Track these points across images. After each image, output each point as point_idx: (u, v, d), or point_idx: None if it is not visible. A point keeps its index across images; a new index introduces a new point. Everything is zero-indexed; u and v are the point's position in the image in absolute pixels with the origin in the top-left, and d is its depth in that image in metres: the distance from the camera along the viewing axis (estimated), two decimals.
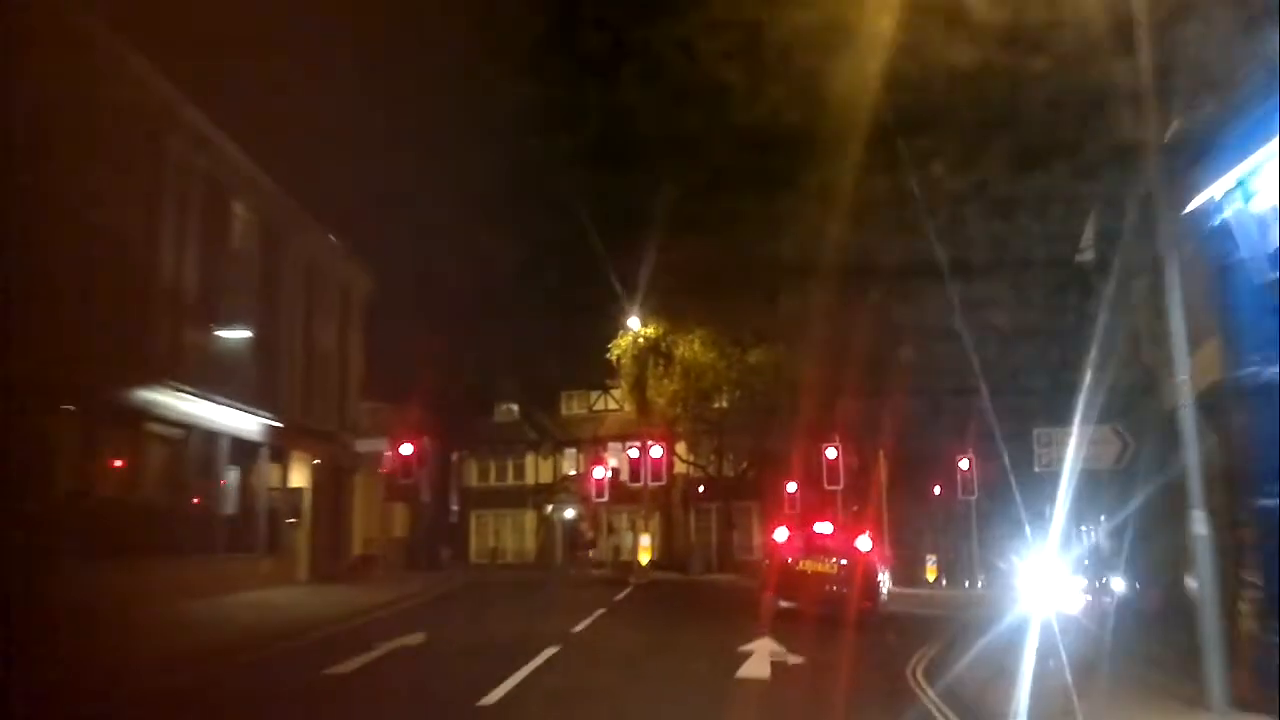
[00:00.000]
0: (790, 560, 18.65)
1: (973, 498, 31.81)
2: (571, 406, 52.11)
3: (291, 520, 25.07)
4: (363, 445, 28.20)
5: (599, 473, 35.84)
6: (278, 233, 25.25)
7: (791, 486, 40.21)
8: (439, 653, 11.93)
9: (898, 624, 18.12)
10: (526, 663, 10.70)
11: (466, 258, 50.47)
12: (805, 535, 19.12)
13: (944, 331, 33.41)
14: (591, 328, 44.04)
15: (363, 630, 14.19)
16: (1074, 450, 17.42)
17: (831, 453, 29.04)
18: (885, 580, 19.30)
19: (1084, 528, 52.53)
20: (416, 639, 12.70)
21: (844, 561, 18.47)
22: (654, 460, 31.81)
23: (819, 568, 18.46)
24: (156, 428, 18.71)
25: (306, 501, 25.85)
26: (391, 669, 10.77)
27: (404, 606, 18.27)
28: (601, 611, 16.81)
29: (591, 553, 46.78)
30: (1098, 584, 41.39)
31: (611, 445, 46.62)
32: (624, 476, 34.42)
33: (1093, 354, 24.27)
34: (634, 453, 32.53)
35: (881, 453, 33.05)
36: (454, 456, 48.36)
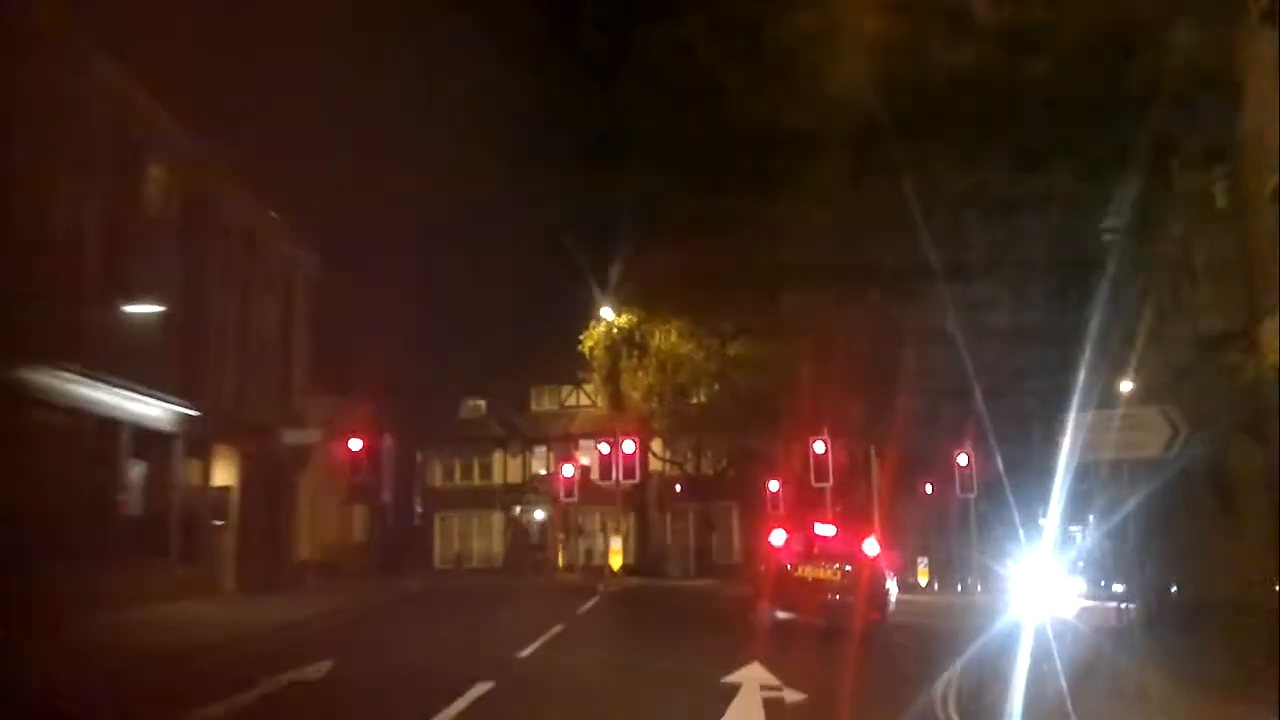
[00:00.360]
0: (788, 566, 16.05)
1: (971, 495, 29.30)
2: (542, 402, 49.35)
3: (217, 522, 22.20)
4: (292, 437, 25.28)
5: (568, 471, 33.14)
6: (204, 202, 22.41)
7: (774, 485, 37.68)
8: (336, 692, 9.19)
9: (906, 637, 15.56)
10: (445, 707, 7.97)
11: (431, 246, 47.91)
12: (805, 538, 16.51)
13: (941, 321, 31.08)
14: (564, 319, 41.61)
15: (261, 656, 11.43)
16: (1111, 437, 14.94)
17: (819, 447, 26.46)
18: (893, 588, 16.67)
19: (1073, 528, 50.14)
20: (318, 670, 9.98)
21: (848, 567, 15.88)
22: (626, 456, 29.11)
23: (820, 574, 15.86)
24: (40, 414, 15.84)
25: (234, 501, 22.96)
26: (265, 717, 8.04)
27: (328, 623, 15.53)
28: (559, 629, 14.11)
29: (543, 557, 44.03)
30: (1100, 587, 38.95)
31: (584, 443, 43.91)
32: (594, 475, 31.67)
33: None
34: (604, 448, 29.83)
35: (873, 448, 30.46)
36: (418, 455, 45.57)
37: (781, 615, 16.01)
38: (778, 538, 16.37)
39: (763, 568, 16.76)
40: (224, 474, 22.77)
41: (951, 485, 30.98)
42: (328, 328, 43.79)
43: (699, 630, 15.68)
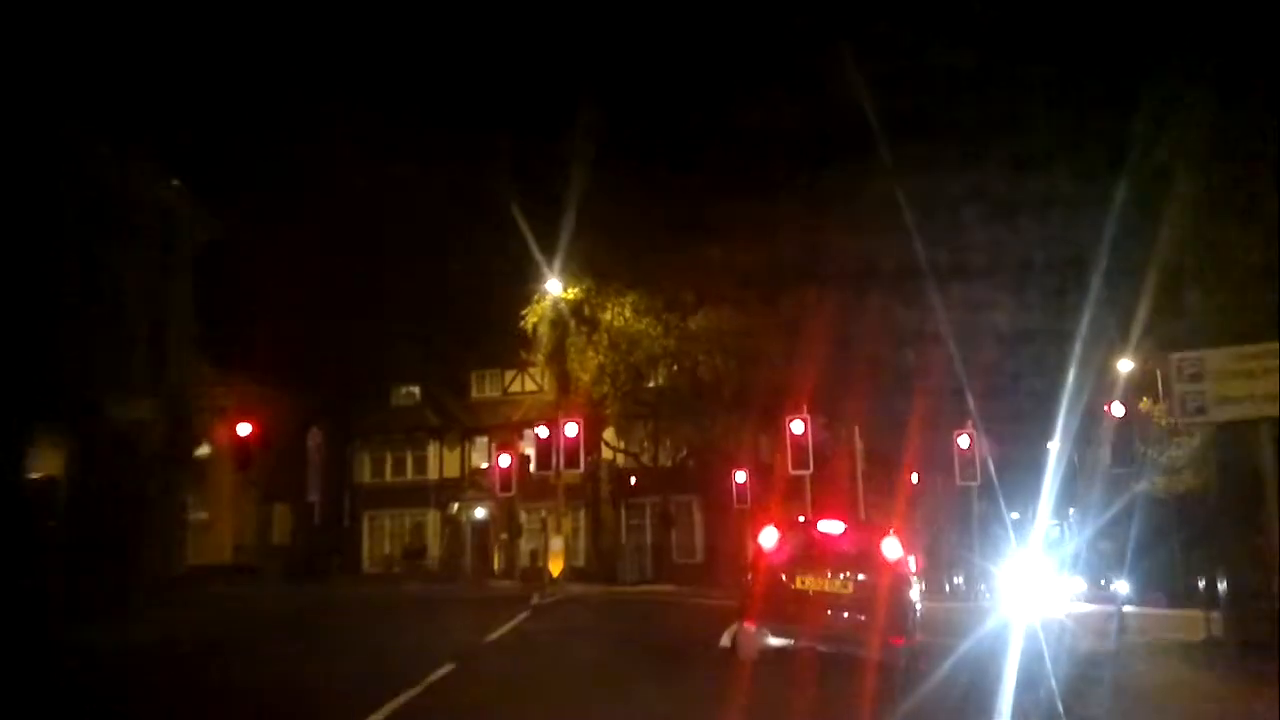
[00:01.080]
0: (781, 576, 11.70)
1: (974, 484, 25.19)
2: (484, 388, 44.71)
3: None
4: (123, 411, 20.37)
5: (504, 461, 28.59)
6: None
7: (740, 476, 33.52)
8: None
9: (933, 663, 11.34)
10: None
11: (358, 217, 43.34)
12: (804, 537, 12.15)
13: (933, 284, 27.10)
14: (508, 297, 37.15)
15: None
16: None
17: (798, 426, 22.19)
18: (918, 602, 12.29)
19: (1054, 522, 45.92)
20: None
21: (862, 576, 11.60)
22: (568, 440, 24.66)
23: (825, 586, 11.56)
24: None
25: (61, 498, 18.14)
26: None
27: (130, 661, 10.91)
28: (445, 671, 9.70)
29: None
30: (1100, 586, 35.33)
31: (529, 432, 39.28)
32: (532, 464, 27.19)
33: None
34: (543, 432, 25.36)
35: (857, 430, 26.28)
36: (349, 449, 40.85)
37: (774, 641, 11.68)
38: (768, 537, 12.01)
39: (748, 576, 12.35)
40: (50, 462, 17.97)
41: (945, 473, 26.87)
42: (232, 303, 39.24)
43: (648, 672, 11.22)
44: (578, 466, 25.82)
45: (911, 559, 12.70)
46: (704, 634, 13.50)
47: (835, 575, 11.67)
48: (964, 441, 24.85)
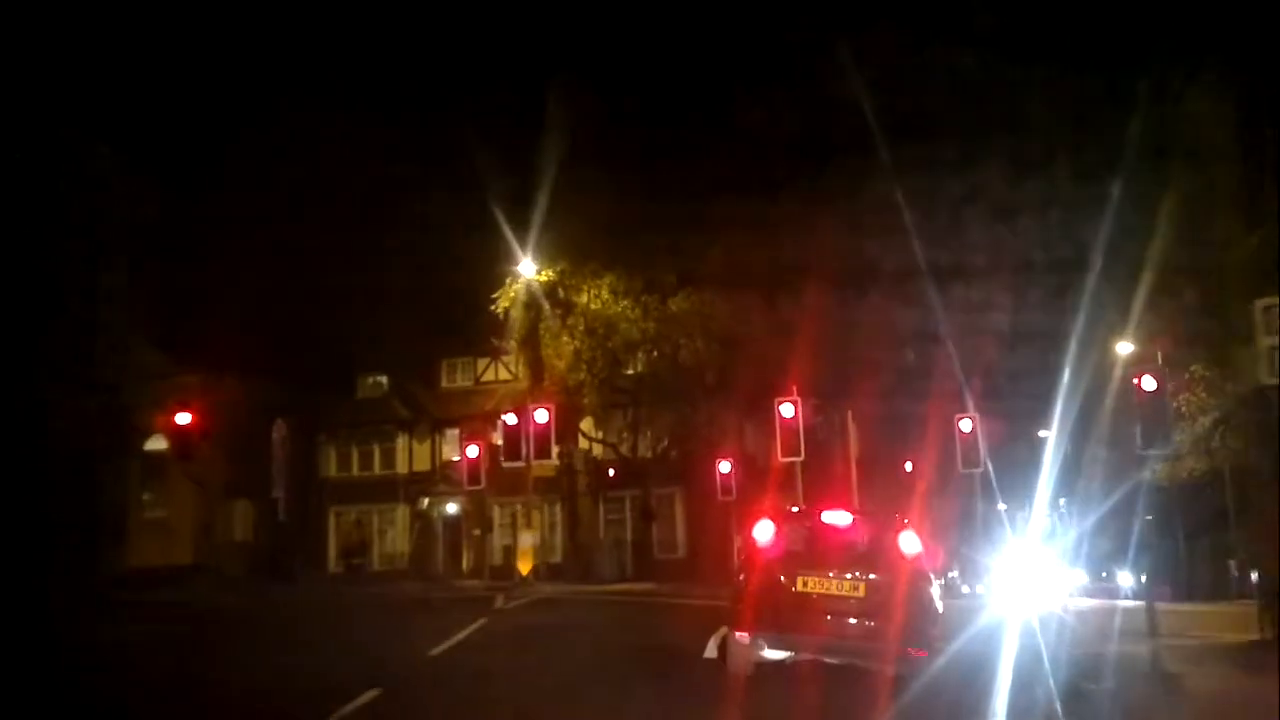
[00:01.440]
0: (780, 576, 9.82)
1: (977, 470, 23.34)
2: (455, 378, 42.63)
3: None
4: None
5: (472, 452, 26.59)
6: None
7: (725, 466, 31.69)
8: None
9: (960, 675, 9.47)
10: None
11: (323, 196, 41.19)
12: (807, 531, 10.24)
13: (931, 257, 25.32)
14: (480, 282, 35.14)
15: None
16: None
17: (788, 409, 20.29)
18: (939, 603, 10.35)
19: (1046, 513, 44.09)
20: None
21: (875, 576, 9.69)
22: (538, 428, 22.72)
23: (832, 587, 9.67)
24: None
25: None
26: None
27: None
28: (363, 701, 7.68)
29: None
30: (1102, 579, 33.61)
31: (501, 422, 37.28)
32: (501, 455, 25.20)
33: None
34: (511, 419, 23.37)
35: (850, 414, 24.43)
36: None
37: (770, 654, 9.81)
38: (763, 531, 10.10)
39: (739, 577, 10.41)
40: None
41: (943, 460, 25.06)
42: (190, 290, 37.13)
43: (618, 696, 9.28)
44: (549, 456, 23.90)
45: (931, 553, 10.82)
46: (686, 643, 11.60)
47: (843, 575, 9.80)
48: (966, 425, 23.00)
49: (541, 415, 23.09)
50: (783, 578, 9.85)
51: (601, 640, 12.68)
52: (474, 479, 26.80)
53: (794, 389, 20.96)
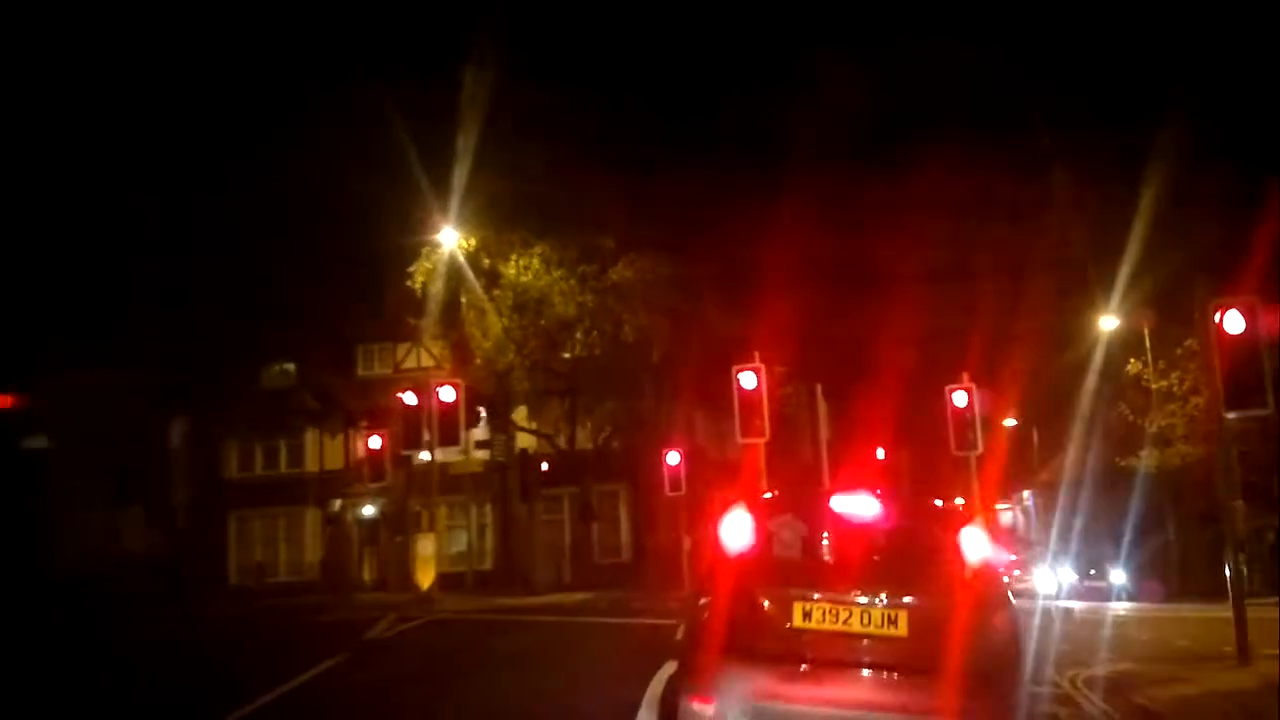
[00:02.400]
0: (765, 602, 5.77)
1: (975, 453, 19.54)
2: (372, 365, 38.18)
3: None
4: None
5: (375, 443, 22.32)
6: None
7: (673, 457, 27.85)
8: None
9: None
10: None
11: (221, 164, 36.82)
12: (810, 528, 6.10)
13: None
14: (401, 257, 30.94)
15: None
16: None
17: (749, 379, 16.35)
18: (1021, 643, 6.25)
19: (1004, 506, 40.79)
20: None
21: (920, 600, 5.57)
22: (444, 408, 18.54)
23: (852, 621, 5.63)
24: None
25: None
26: None
27: None
28: None
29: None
30: (1090, 575, 30.19)
31: None
32: (406, 442, 20.90)
33: None
34: (411, 398, 19.17)
35: (819, 387, 20.57)
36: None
37: None
38: (737, 529, 6.08)
39: (701, 602, 6.16)
40: None
41: (932, 440, 21.27)
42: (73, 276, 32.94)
43: None
44: (456, 442, 19.77)
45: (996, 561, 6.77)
46: (609, 699, 7.50)
47: (871, 599, 5.81)
48: (960, 398, 19.22)
49: (447, 393, 18.95)
50: (769, 604, 5.86)
51: (483, 702, 8.53)
52: (377, 474, 22.58)
53: (755, 356, 17.00)
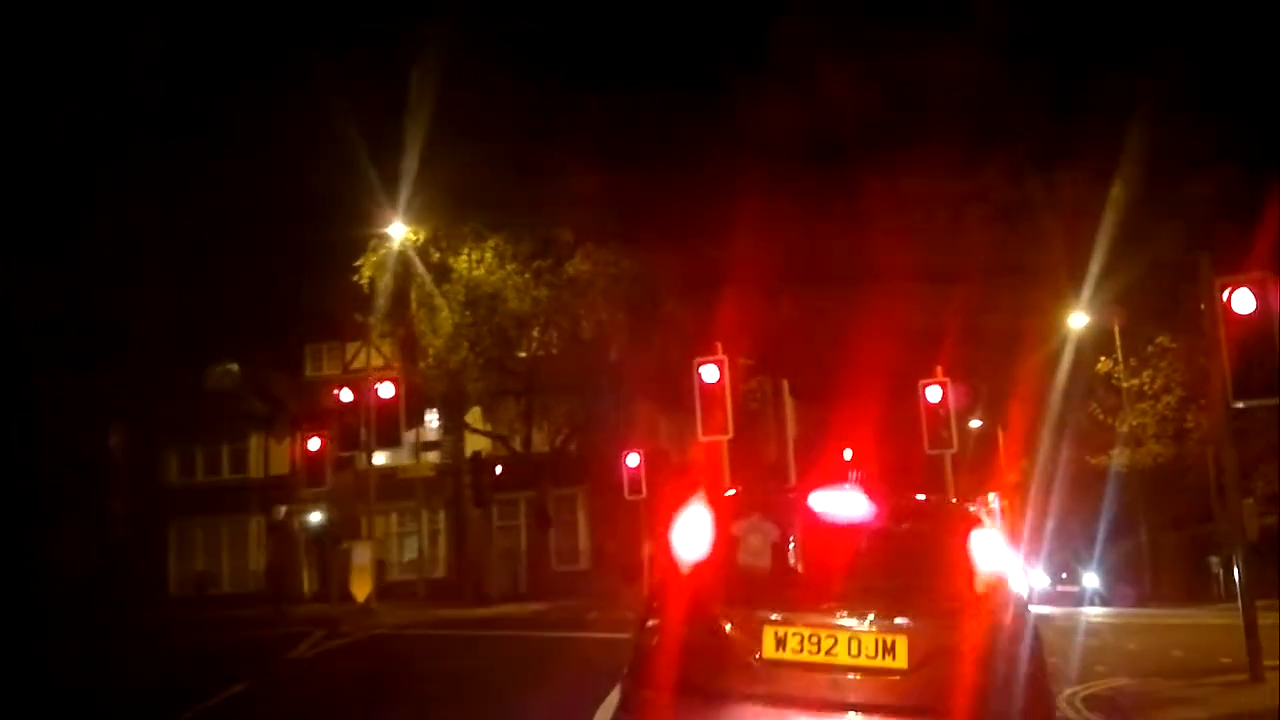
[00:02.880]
0: (727, 625, 4.50)
1: (950, 452, 18.48)
2: (321, 365, 36.63)
3: None
4: None
5: (314, 444, 20.92)
6: None
7: (633, 459, 26.67)
8: None
9: None
10: None
11: (161, 156, 35.21)
12: (784, 532, 4.88)
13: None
14: (351, 253, 29.57)
15: None
16: None
17: (710, 373, 15.17)
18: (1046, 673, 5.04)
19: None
20: None
21: (922, 623, 4.29)
22: (382, 405, 17.20)
23: (838, 650, 4.39)
24: None
25: None
26: None
27: None
28: None
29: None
30: (1061, 579, 29.33)
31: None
32: (343, 442, 19.51)
33: None
34: (347, 395, 17.82)
35: (786, 384, 19.43)
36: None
37: None
38: (693, 534, 4.84)
39: (649, 624, 4.89)
40: None
41: (904, 439, 20.20)
42: None
43: None
44: (396, 443, 18.53)
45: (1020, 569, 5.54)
46: None
47: (860, 622, 4.60)
48: (934, 394, 18.15)
49: (386, 390, 17.60)
50: (733, 629, 4.65)
51: None
52: (316, 478, 21.17)
53: (718, 347, 15.82)
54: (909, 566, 4.87)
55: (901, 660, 4.49)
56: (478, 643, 14.02)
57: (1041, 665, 4.80)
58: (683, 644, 4.67)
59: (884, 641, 4.51)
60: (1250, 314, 10.21)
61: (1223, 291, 10.31)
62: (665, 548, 5.02)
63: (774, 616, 4.60)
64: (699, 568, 4.82)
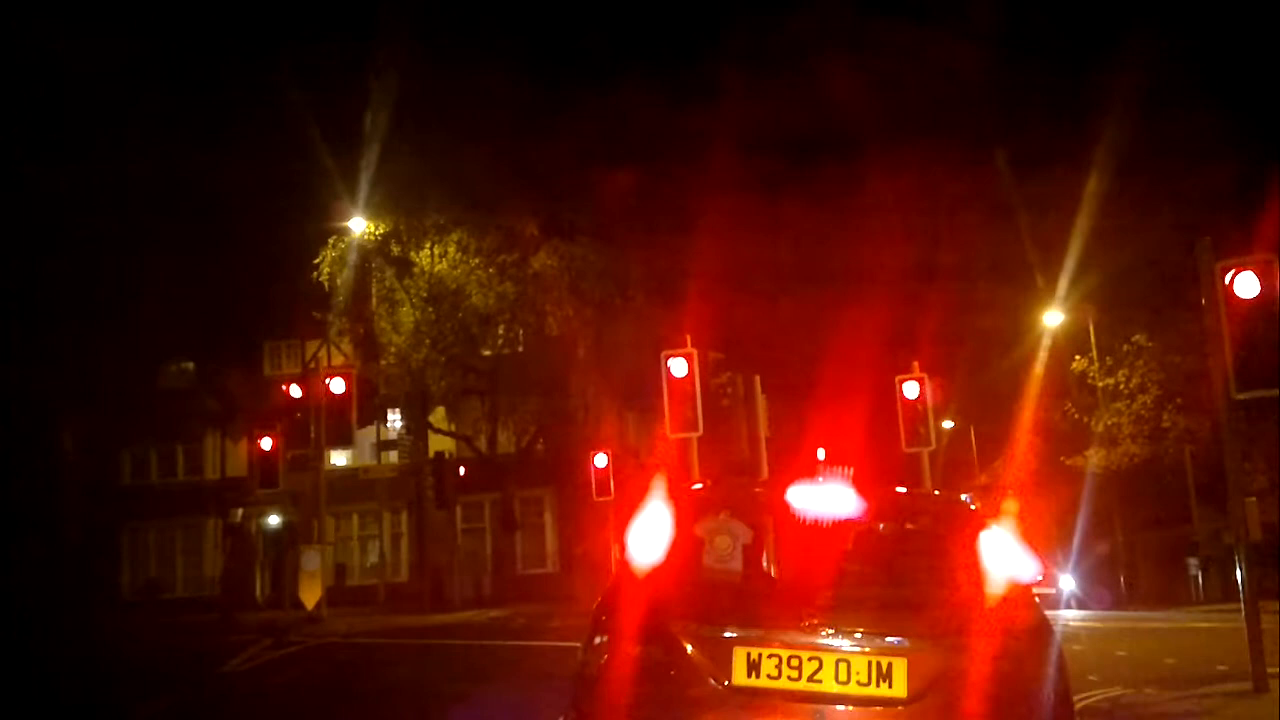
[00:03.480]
0: (689, 646, 3.67)
1: (928, 449, 17.79)
2: (280, 363, 35.56)
3: None
4: None
5: (265, 444, 19.96)
6: None
7: (601, 459, 25.88)
8: None
9: None
10: None
11: (118, 149, 34.14)
12: (760, 528, 4.08)
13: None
14: (311, 248, 28.67)
15: None
16: None
17: (679, 367, 14.35)
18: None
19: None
20: None
21: (924, 643, 3.47)
22: (334, 401, 16.28)
23: (823, 675, 3.58)
24: None
25: None
26: None
27: None
28: None
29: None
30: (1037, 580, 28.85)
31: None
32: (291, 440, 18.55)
33: None
34: (296, 391, 16.90)
35: (759, 379, 18.71)
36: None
37: None
38: (647, 535, 4.02)
39: (596, 640, 4.07)
40: None
41: (880, 438, 19.51)
42: None
43: None
44: (349, 442, 17.64)
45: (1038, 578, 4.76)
46: None
47: (850, 641, 3.79)
48: (911, 390, 17.47)
49: (337, 385, 16.67)
50: (696, 650, 3.85)
51: None
52: (269, 479, 20.17)
53: (687, 340, 15.02)
54: (907, 574, 4.11)
55: (900, 688, 3.71)
56: (427, 653, 13.13)
57: (1066, 695, 4.03)
58: (635, 667, 3.87)
59: (878, 665, 3.73)
60: (1254, 299, 9.54)
61: (1224, 275, 9.62)
62: (620, 560, 4.23)
63: (746, 634, 3.81)
64: (656, 575, 4.02)
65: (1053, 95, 34.21)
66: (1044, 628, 4.04)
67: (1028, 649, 3.89)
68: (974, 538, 4.04)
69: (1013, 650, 3.82)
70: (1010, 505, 4.65)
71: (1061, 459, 32.66)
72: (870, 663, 3.73)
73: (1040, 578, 4.36)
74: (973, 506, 4.51)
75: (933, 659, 3.75)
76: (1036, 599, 4.12)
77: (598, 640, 4.10)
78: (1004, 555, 4.00)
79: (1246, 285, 9.56)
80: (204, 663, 11.26)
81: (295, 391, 16.69)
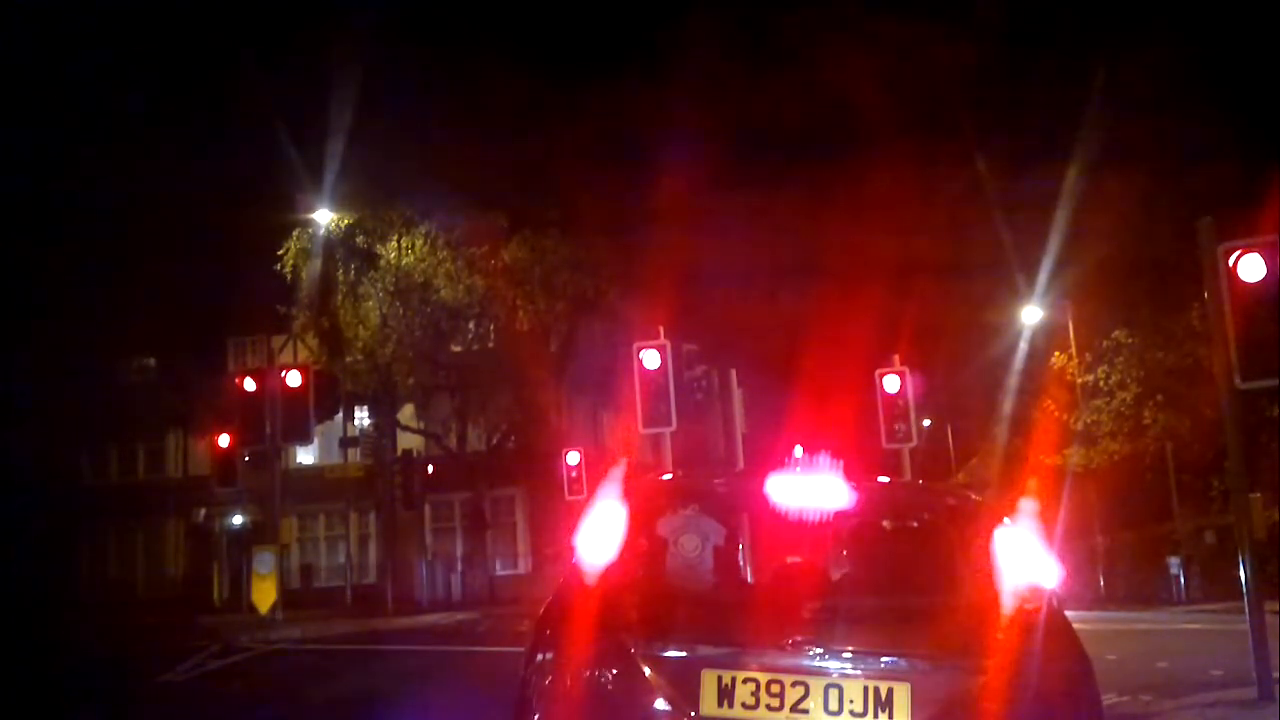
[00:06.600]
0: (648, 669, 3.02)
1: (909, 446, 17.20)
2: (244, 359, 34.60)
3: None
4: None
5: (223, 441, 19.16)
6: None
7: (573, 457, 25.21)
8: None
9: None
10: None
11: (77, 140, 33.48)
12: (733, 526, 3.43)
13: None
14: (275, 242, 27.94)
15: None
16: None
17: (651, 359, 13.62)
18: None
19: None
20: None
21: (929, 664, 2.78)
22: (289, 394, 15.51)
23: (809, 704, 2.81)
24: None
25: None
26: None
27: None
28: None
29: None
30: None
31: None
32: (244, 437, 17.74)
33: None
34: (250, 384, 16.12)
35: (735, 373, 18.07)
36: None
37: None
38: (600, 535, 3.35)
39: (539, 658, 3.42)
40: None
41: (860, 434, 18.93)
42: None
43: None
44: (307, 439, 16.88)
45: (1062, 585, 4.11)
46: None
47: (841, 662, 3.12)
48: (892, 384, 16.88)
49: (293, 379, 15.91)
50: (653, 672, 3.17)
51: None
52: (228, 477, 19.41)
53: (660, 331, 14.36)
54: (908, 580, 3.46)
55: (902, 717, 3.07)
56: (383, 660, 12.40)
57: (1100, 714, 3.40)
58: (584, 693, 3.22)
59: (876, 691, 3.08)
60: (1259, 282, 8.95)
61: (1227, 258, 9.04)
62: (570, 564, 3.58)
63: (717, 655, 3.15)
64: (610, 581, 3.36)
65: (1028, 90, 33.96)
66: (1073, 645, 3.40)
67: (1054, 671, 3.26)
68: (987, 537, 3.40)
69: (1034, 673, 3.19)
70: (1028, 504, 3.99)
71: (1041, 458, 32.31)
72: (866, 688, 3.09)
73: (1062, 583, 3.73)
74: (975, 499, 3.88)
75: (939, 684, 3.11)
76: (1064, 610, 3.47)
77: (540, 658, 3.45)
78: (1023, 557, 3.37)
79: (1251, 268, 8.99)
80: (143, 671, 10.52)
81: (249, 385, 15.98)
